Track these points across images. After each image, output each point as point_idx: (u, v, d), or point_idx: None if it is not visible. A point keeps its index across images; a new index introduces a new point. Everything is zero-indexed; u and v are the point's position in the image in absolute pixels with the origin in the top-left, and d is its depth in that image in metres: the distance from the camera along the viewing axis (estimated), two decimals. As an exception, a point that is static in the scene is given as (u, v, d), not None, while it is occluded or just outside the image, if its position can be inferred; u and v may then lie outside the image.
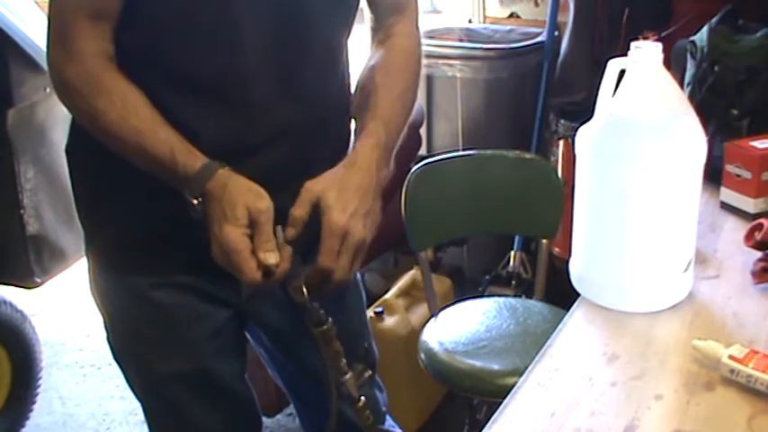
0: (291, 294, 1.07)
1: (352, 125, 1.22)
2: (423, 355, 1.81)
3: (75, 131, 1.19)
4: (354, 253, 1.05)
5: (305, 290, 1.06)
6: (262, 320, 1.31)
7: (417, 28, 1.28)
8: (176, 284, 1.18)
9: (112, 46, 1.07)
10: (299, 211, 1.04)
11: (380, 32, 1.25)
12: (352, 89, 1.24)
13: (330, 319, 1.10)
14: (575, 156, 1.20)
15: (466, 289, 2.60)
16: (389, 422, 1.50)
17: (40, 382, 2.37)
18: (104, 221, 1.21)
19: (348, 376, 1.15)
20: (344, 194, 1.05)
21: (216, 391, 1.27)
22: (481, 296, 2.22)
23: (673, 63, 1.75)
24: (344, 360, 1.13)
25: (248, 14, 1.06)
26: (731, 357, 1.00)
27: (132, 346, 1.26)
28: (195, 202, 1.03)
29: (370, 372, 1.18)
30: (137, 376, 1.29)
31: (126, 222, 1.17)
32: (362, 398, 1.16)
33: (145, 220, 1.16)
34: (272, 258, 1.01)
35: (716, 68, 1.62)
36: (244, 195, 1.02)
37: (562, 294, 1.35)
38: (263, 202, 1.02)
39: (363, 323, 1.44)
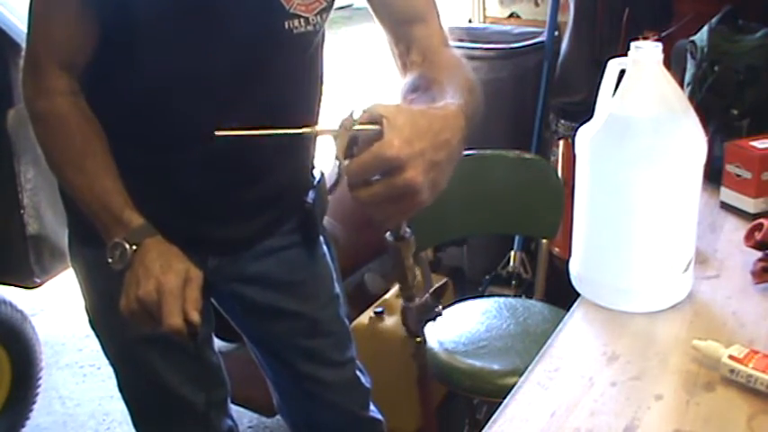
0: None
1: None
2: (423, 355, 1.81)
3: None
4: (393, 192, 0.81)
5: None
6: (230, 290, 1.37)
7: (449, 45, 1.14)
8: None
9: (78, 83, 1.16)
10: (352, 119, 0.83)
11: (413, 53, 1.11)
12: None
13: (409, 233, 0.94)
14: (575, 156, 1.20)
15: (466, 289, 2.60)
16: (372, 408, 1.52)
17: (40, 382, 2.37)
18: None
19: (415, 303, 1.01)
20: (415, 128, 0.82)
21: (184, 355, 1.30)
22: (481, 296, 2.22)
23: (673, 63, 1.75)
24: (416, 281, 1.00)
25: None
26: (731, 357, 1.00)
27: (106, 314, 1.31)
28: (130, 248, 1.10)
29: (441, 308, 1.03)
30: (111, 342, 1.35)
31: None
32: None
33: None
34: (195, 316, 1.07)
35: (716, 68, 1.62)
36: (186, 260, 1.11)
37: (562, 294, 1.35)
38: (197, 270, 1.11)
39: (335, 318, 1.45)
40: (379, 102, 0.83)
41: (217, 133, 0.93)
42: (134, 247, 1.10)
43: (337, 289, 1.45)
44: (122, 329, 1.28)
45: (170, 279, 1.07)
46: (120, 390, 1.40)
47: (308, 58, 1.23)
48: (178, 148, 1.18)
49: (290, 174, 1.32)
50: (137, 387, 1.38)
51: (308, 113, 1.29)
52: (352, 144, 0.82)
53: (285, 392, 1.51)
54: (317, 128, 0.85)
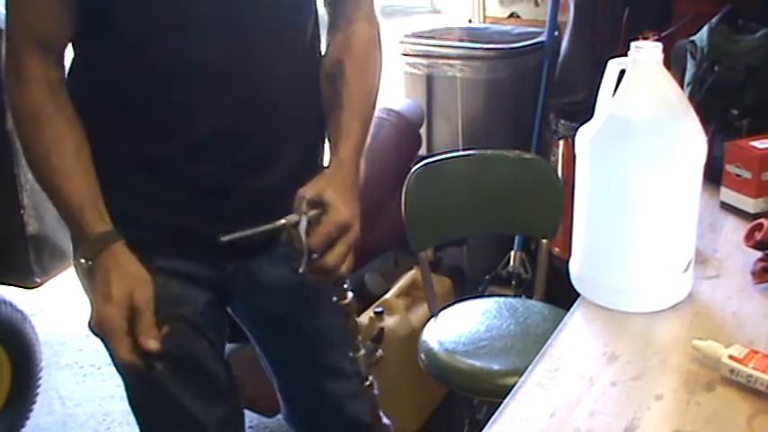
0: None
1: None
2: (423, 355, 1.81)
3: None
4: (350, 247, 1.12)
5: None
6: (245, 300, 1.35)
7: (373, 11, 1.29)
8: (156, 269, 1.17)
9: (60, 72, 1.12)
10: (299, 208, 1.08)
11: (339, 18, 1.26)
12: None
13: (351, 294, 1.19)
14: (575, 156, 1.20)
15: (466, 289, 2.60)
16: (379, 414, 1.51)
17: (40, 382, 2.37)
18: None
19: (361, 353, 1.23)
20: (344, 194, 1.12)
21: (192, 367, 1.28)
22: (481, 296, 2.22)
23: (673, 63, 1.75)
24: (360, 337, 1.22)
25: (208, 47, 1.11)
26: (731, 357, 1.00)
27: None
28: (86, 263, 1.08)
29: (381, 352, 1.26)
30: None
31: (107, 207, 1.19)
32: (370, 377, 1.25)
33: (124, 205, 1.16)
34: (152, 344, 1.05)
35: (716, 68, 1.63)
36: (129, 281, 1.07)
37: (562, 294, 1.35)
38: (145, 291, 1.08)
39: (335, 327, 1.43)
40: (310, 187, 1.10)
41: (222, 238, 1.05)
42: (90, 263, 1.08)
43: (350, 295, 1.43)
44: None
45: (110, 313, 1.04)
46: (129, 401, 1.35)
47: (303, 47, 1.22)
48: (177, 137, 1.15)
49: (296, 164, 1.27)
50: (144, 398, 1.34)
51: (307, 110, 1.26)
52: (308, 226, 1.08)
53: (293, 402, 1.49)
54: (283, 220, 1.08)
